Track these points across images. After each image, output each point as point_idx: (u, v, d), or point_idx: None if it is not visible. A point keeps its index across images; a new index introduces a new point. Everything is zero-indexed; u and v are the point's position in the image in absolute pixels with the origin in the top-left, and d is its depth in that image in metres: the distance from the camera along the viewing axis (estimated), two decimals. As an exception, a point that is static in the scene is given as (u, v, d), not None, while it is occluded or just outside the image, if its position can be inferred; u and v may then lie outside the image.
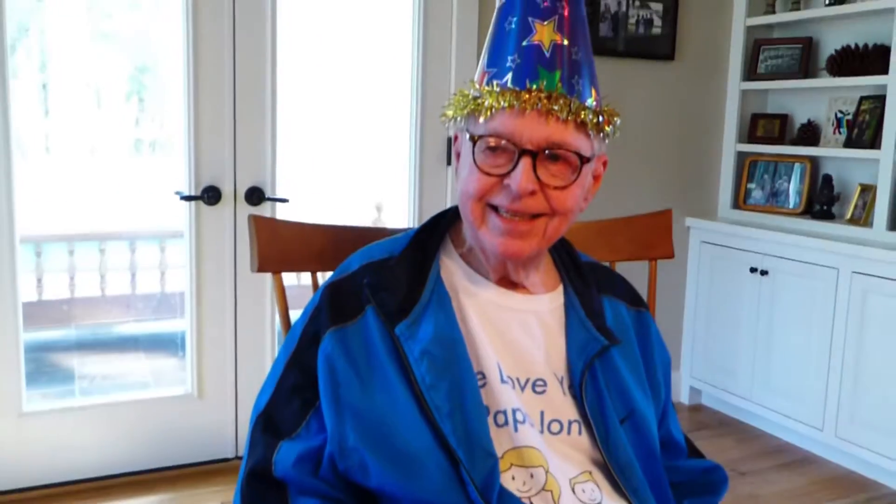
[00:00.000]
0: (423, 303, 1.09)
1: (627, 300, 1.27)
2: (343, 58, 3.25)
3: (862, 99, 3.23)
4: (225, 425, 2.89)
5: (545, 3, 1.07)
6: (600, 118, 1.09)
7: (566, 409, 1.11)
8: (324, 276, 1.26)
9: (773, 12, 3.50)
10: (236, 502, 1.09)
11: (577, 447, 1.10)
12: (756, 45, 3.57)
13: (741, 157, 3.66)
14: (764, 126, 3.61)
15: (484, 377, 1.08)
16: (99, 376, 3.59)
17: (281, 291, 1.38)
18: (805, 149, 3.39)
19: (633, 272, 1.51)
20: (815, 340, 3.11)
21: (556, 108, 1.04)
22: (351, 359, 1.07)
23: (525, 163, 1.04)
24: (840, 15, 3.26)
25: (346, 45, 3.22)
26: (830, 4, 3.28)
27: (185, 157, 2.72)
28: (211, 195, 2.71)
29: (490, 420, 1.06)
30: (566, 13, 1.08)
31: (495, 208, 1.08)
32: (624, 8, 3.32)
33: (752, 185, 3.63)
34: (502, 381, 1.08)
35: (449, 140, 3.01)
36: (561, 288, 1.21)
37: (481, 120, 1.07)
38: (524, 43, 1.07)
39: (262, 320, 2.89)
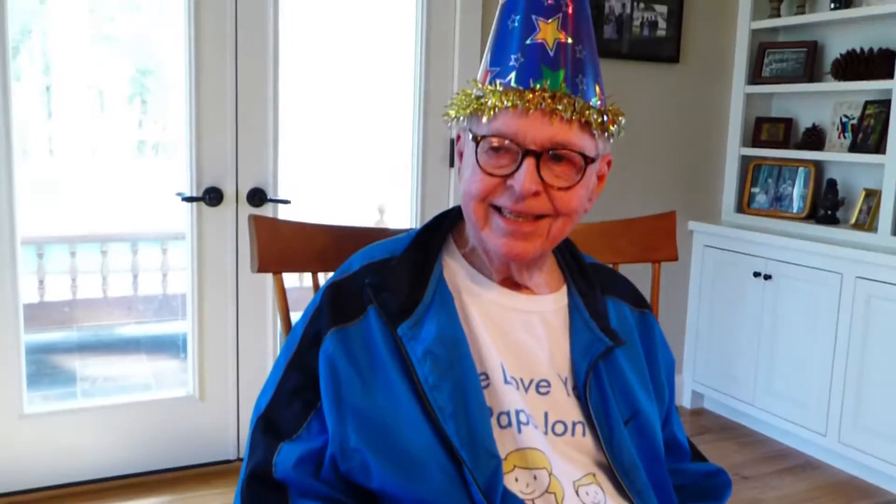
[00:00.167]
0: (425, 303, 1.09)
1: (631, 301, 1.26)
2: (345, 58, 3.24)
3: (867, 103, 3.22)
4: (226, 427, 2.89)
5: (549, 1, 1.06)
6: (605, 118, 1.08)
7: (570, 410, 1.10)
8: (325, 277, 1.26)
9: (779, 16, 3.50)
10: (237, 504, 1.08)
11: (581, 449, 1.09)
12: (761, 48, 3.56)
13: (745, 160, 3.65)
14: (768, 130, 3.60)
15: (487, 378, 1.07)
16: (100, 378, 3.59)
17: (281, 292, 1.37)
18: (809, 153, 3.38)
19: (636, 275, 1.49)
20: (818, 345, 3.10)
21: (559, 107, 1.03)
22: (352, 359, 1.06)
23: (528, 163, 1.03)
24: (845, 19, 3.25)
25: (349, 45, 3.22)
26: (836, 8, 3.27)
27: (186, 157, 2.71)
28: (212, 196, 2.71)
29: (493, 421, 1.05)
30: (570, 11, 1.07)
31: (499, 209, 1.07)
32: (628, 10, 3.32)
33: (755, 190, 3.61)
34: (506, 381, 1.07)
35: (452, 141, 3.00)
36: (565, 289, 1.20)
37: (484, 120, 1.06)
38: (528, 41, 1.06)
39: (263, 322, 2.88)
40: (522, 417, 1.06)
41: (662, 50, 3.44)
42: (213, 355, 2.83)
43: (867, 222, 3.15)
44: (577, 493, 1.05)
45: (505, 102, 1.04)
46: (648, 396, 1.18)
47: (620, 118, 1.11)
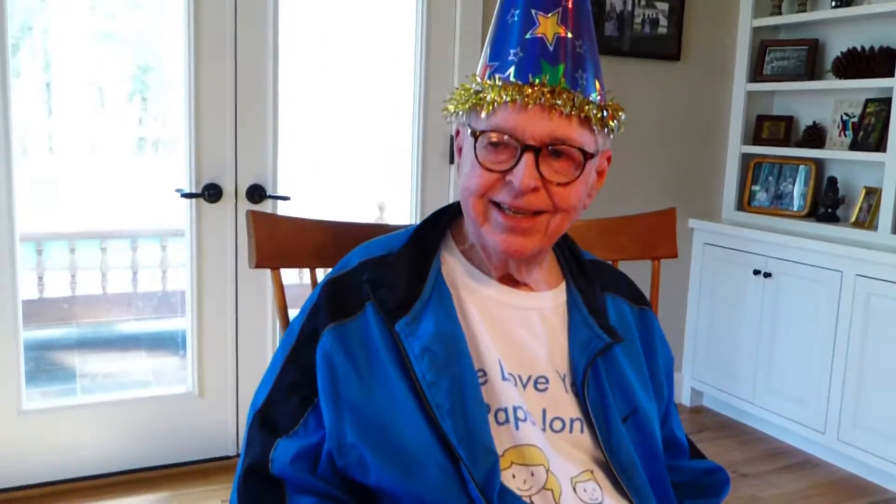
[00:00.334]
0: (423, 300, 1.08)
1: (630, 298, 1.26)
2: (345, 54, 3.24)
3: (868, 101, 3.22)
4: (225, 424, 2.88)
5: None
6: (604, 113, 1.07)
7: (568, 406, 1.09)
8: (323, 273, 1.25)
9: (780, 13, 3.49)
10: (233, 500, 1.08)
11: (578, 446, 1.08)
12: (762, 46, 3.55)
13: (746, 158, 3.64)
14: (769, 128, 3.59)
15: (485, 374, 1.07)
16: (100, 374, 3.59)
17: (279, 287, 1.37)
18: (810, 151, 3.37)
19: (636, 272, 1.49)
20: (817, 343, 3.09)
21: (559, 102, 1.02)
22: (350, 355, 1.06)
23: (527, 159, 1.03)
24: (846, 17, 3.24)
25: (348, 41, 3.21)
26: (837, 6, 3.26)
27: (185, 154, 2.71)
28: (212, 193, 2.70)
29: (491, 418, 1.05)
30: (570, 5, 1.06)
31: (497, 205, 1.07)
32: (629, 7, 3.31)
33: (756, 187, 3.61)
34: (503, 378, 1.07)
35: (452, 137, 2.99)
36: (564, 285, 1.19)
37: (483, 115, 1.05)
38: (527, 36, 1.05)
39: (263, 319, 2.88)
40: (520, 414, 1.05)
41: (663, 47, 3.43)
42: (212, 352, 2.83)
43: (867, 220, 3.14)
44: (574, 489, 1.05)
45: (504, 97, 1.03)
46: (647, 393, 1.17)
47: (620, 114, 1.10)
